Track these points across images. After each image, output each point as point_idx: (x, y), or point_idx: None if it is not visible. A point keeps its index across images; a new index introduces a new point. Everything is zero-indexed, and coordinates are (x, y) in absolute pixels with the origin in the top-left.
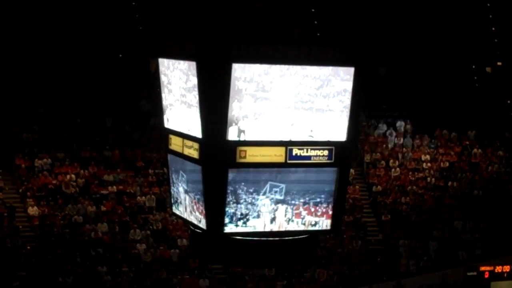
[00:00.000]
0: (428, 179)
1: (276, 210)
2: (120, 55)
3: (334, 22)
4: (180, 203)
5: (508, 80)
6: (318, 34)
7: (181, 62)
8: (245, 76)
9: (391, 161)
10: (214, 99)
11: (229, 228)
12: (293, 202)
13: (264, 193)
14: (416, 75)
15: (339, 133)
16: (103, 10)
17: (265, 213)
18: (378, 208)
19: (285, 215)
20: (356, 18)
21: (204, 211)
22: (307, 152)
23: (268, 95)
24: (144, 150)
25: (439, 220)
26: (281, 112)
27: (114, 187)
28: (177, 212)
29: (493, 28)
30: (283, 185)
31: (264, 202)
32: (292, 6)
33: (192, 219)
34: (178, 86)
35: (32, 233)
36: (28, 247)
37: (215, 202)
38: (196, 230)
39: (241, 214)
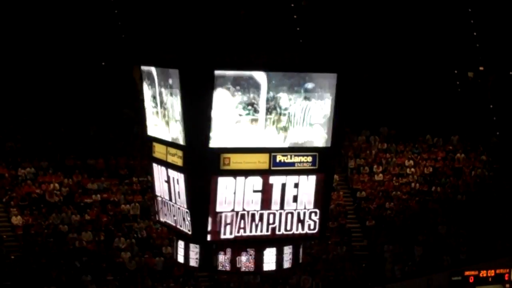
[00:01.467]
0: (412, 184)
1: None
2: (103, 63)
3: (317, 29)
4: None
5: (490, 84)
6: (301, 41)
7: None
8: None
9: (375, 166)
10: (197, 106)
11: None
12: None
13: None
14: (399, 80)
15: (323, 139)
16: (86, 18)
17: None
18: (363, 214)
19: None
20: (338, 25)
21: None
22: (291, 158)
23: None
24: (128, 158)
25: (424, 225)
26: None
27: (98, 195)
28: (162, 218)
29: (475, 33)
30: None
31: None
32: (275, 13)
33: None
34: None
35: (16, 243)
36: (12, 257)
37: (199, 209)
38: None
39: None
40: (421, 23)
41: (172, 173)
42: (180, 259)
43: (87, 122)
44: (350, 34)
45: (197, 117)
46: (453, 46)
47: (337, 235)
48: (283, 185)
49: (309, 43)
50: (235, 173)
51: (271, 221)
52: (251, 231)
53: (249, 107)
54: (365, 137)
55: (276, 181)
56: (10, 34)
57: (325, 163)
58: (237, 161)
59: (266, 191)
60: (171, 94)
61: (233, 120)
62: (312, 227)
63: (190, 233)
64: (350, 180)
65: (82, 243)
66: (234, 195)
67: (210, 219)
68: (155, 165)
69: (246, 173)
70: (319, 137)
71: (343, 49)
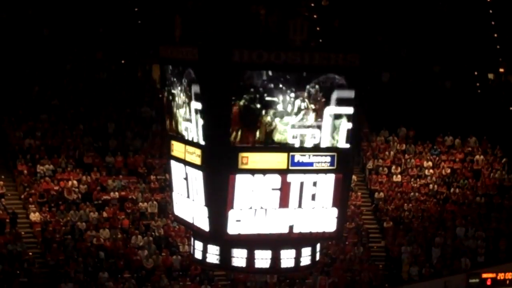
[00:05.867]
0: (431, 185)
1: None
2: (123, 61)
3: (337, 29)
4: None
5: (510, 83)
6: (321, 41)
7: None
8: None
9: (394, 167)
10: (217, 105)
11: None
12: None
13: None
14: (419, 82)
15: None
16: (106, 16)
17: None
18: (380, 215)
19: None
20: (359, 26)
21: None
22: (309, 158)
23: None
24: (146, 156)
25: (441, 227)
26: None
27: (116, 193)
28: (180, 215)
29: (496, 35)
30: None
31: None
32: (295, 13)
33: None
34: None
35: (34, 239)
36: (30, 253)
37: (217, 207)
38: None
39: None
40: (442, 24)
41: (190, 171)
42: (198, 255)
43: (106, 119)
44: (371, 35)
45: (216, 116)
46: (473, 48)
47: (354, 235)
48: (301, 184)
49: (329, 43)
50: (253, 171)
51: (289, 219)
52: (268, 229)
53: None
54: (384, 138)
55: (294, 179)
56: (29, 32)
57: (343, 164)
58: (255, 160)
59: (284, 189)
60: (187, 92)
61: None
62: (329, 226)
63: (207, 230)
64: (369, 180)
65: (100, 240)
66: (252, 193)
67: (227, 217)
68: (173, 162)
69: (265, 171)
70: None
71: (363, 50)
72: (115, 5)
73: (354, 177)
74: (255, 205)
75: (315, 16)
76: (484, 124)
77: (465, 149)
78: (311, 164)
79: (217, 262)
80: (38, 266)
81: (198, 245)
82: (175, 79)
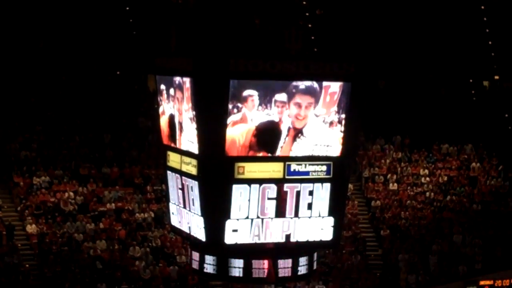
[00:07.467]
0: (427, 193)
1: None
2: (118, 72)
3: (332, 37)
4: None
5: (505, 89)
6: (316, 50)
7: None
8: None
9: (390, 176)
10: (212, 115)
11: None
12: None
13: None
14: (414, 89)
15: (338, 148)
16: (101, 27)
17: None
18: (377, 223)
19: None
20: (354, 33)
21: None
22: (305, 167)
23: None
24: (143, 166)
25: (438, 235)
26: None
27: (113, 204)
28: (177, 225)
29: (490, 42)
30: None
31: None
32: (290, 22)
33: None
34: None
35: (31, 251)
36: (27, 265)
37: (214, 217)
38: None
39: None
40: (437, 32)
41: (187, 180)
42: (195, 265)
43: (102, 130)
44: (366, 42)
45: (212, 126)
46: (468, 55)
47: (351, 244)
48: (298, 193)
49: (324, 52)
50: (249, 181)
51: (285, 228)
52: (265, 239)
53: None
54: (379, 146)
55: (290, 188)
56: (25, 43)
57: (340, 172)
58: (251, 170)
59: (281, 199)
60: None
61: None
62: (326, 235)
63: (204, 240)
64: (365, 189)
65: (97, 251)
66: (248, 203)
67: (224, 227)
68: (169, 173)
69: (261, 181)
70: (334, 147)
71: (358, 58)
72: (111, 16)
73: (350, 185)
74: (252, 215)
75: (309, 26)
76: (480, 131)
77: (461, 157)
78: (307, 173)
79: (214, 272)
80: (35, 278)
81: (195, 255)
82: (170, 89)
